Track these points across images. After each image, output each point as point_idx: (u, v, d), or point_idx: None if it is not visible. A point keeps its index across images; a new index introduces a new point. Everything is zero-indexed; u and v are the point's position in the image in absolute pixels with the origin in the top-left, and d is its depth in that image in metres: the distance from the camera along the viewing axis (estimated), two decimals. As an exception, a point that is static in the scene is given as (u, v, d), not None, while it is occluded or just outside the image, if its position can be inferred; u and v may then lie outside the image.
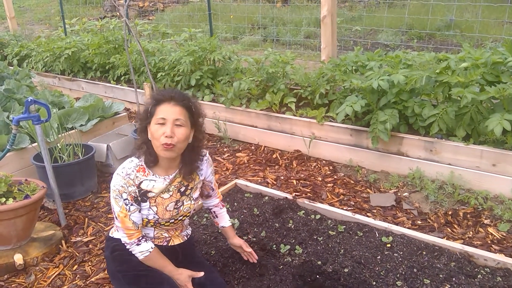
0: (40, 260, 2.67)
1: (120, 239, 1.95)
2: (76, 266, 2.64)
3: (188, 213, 2.06)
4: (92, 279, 2.50)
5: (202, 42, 4.93)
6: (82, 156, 3.46)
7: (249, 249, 2.26)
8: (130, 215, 1.85)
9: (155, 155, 1.86)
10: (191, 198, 2.02)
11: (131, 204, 1.85)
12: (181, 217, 2.03)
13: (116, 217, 1.87)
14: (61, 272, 2.60)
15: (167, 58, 5.14)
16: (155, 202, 1.91)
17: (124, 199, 1.83)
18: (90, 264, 2.66)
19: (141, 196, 1.88)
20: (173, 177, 1.94)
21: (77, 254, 2.75)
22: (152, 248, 1.92)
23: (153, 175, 1.89)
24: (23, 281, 2.53)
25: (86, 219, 3.14)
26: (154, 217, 1.92)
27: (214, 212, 2.27)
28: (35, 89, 4.95)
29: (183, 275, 1.95)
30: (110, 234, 2.06)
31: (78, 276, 2.55)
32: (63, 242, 2.86)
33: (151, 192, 1.89)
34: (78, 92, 6.15)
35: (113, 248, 2.00)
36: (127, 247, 1.92)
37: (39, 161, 3.19)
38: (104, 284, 2.45)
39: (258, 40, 7.96)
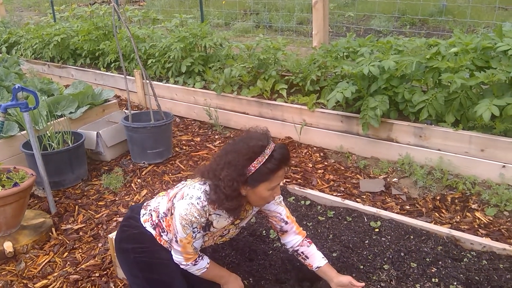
0: (30, 247, 2.67)
1: (150, 233, 1.86)
2: (66, 254, 2.65)
3: (229, 239, 1.99)
4: (83, 266, 2.51)
5: (193, 28, 4.88)
6: (71, 143, 3.44)
7: (360, 284, 1.85)
8: (194, 241, 1.75)
9: (242, 209, 1.76)
10: (238, 227, 1.95)
11: (198, 232, 1.74)
12: (221, 242, 1.98)
13: (177, 241, 1.76)
14: (52, 259, 2.60)
15: (157, 44, 5.09)
16: (211, 233, 1.84)
17: (193, 228, 1.71)
18: (80, 251, 2.66)
19: (206, 226, 1.78)
20: None
21: (68, 242, 2.75)
22: (208, 263, 1.84)
23: (221, 210, 1.74)
24: (13, 268, 2.53)
25: (77, 206, 3.13)
26: (201, 245, 1.85)
27: (302, 253, 1.95)
28: (24, 77, 4.89)
29: (238, 282, 1.92)
30: (142, 221, 1.90)
31: (68, 263, 2.56)
32: (53, 229, 2.86)
33: (214, 227, 1.79)
34: (67, 80, 6.09)
35: (138, 234, 1.88)
36: (182, 267, 1.82)
37: (28, 149, 3.16)
38: (95, 271, 2.46)
39: (250, 26, 7.89)
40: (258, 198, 1.71)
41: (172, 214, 1.79)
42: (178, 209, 1.71)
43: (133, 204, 3.06)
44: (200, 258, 1.83)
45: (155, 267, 1.86)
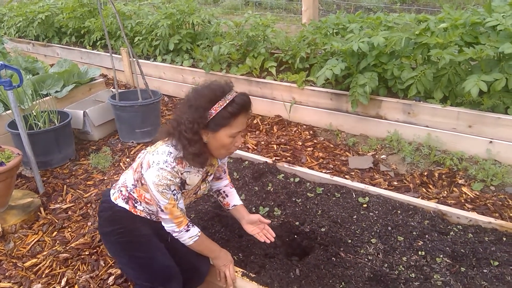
0: (19, 227, 2.66)
1: (124, 208, 1.87)
2: (55, 233, 2.64)
3: (202, 195, 2.02)
4: (72, 245, 2.51)
5: (180, 5, 4.79)
6: (58, 123, 3.39)
7: (267, 220, 2.06)
8: (177, 203, 1.76)
9: (207, 157, 1.77)
10: (207, 182, 1.98)
11: (178, 193, 1.76)
12: (195, 200, 1.99)
13: (162, 210, 1.75)
14: (41, 238, 2.59)
15: (144, 21, 4.99)
16: (186, 191, 1.85)
17: (172, 191, 1.72)
18: (69, 230, 2.66)
19: (182, 185, 1.80)
20: (205, 169, 1.87)
21: (56, 221, 2.74)
22: (199, 231, 1.85)
23: (189, 166, 1.77)
24: (1, 248, 2.51)
25: (65, 186, 3.11)
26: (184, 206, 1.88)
27: (224, 192, 2.14)
28: (8, 55, 4.78)
29: (228, 257, 1.96)
30: (113, 200, 1.91)
31: (57, 242, 2.55)
32: (41, 209, 2.84)
33: (188, 184, 1.81)
34: (53, 59, 5.96)
35: (113, 215, 1.89)
36: (175, 235, 1.82)
37: (14, 129, 3.11)
38: (84, 249, 2.46)
39: (239, 4, 7.76)
40: (219, 146, 1.72)
41: (142, 184, 1.80)
42: (150, 178, 1.70)
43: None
44: (191, 224, 1.85)
45: (137, 244, 1.87)
